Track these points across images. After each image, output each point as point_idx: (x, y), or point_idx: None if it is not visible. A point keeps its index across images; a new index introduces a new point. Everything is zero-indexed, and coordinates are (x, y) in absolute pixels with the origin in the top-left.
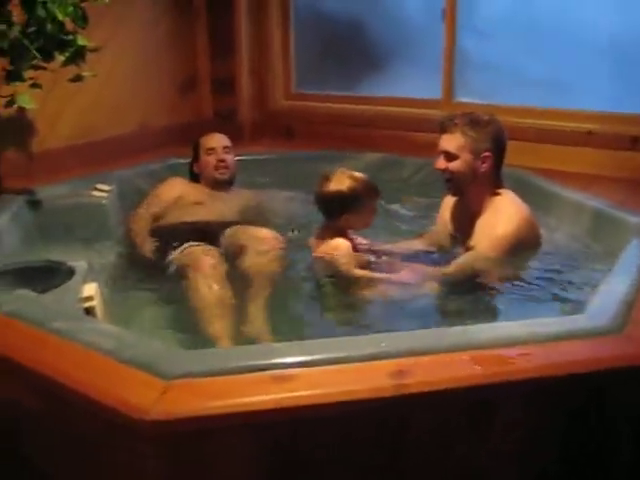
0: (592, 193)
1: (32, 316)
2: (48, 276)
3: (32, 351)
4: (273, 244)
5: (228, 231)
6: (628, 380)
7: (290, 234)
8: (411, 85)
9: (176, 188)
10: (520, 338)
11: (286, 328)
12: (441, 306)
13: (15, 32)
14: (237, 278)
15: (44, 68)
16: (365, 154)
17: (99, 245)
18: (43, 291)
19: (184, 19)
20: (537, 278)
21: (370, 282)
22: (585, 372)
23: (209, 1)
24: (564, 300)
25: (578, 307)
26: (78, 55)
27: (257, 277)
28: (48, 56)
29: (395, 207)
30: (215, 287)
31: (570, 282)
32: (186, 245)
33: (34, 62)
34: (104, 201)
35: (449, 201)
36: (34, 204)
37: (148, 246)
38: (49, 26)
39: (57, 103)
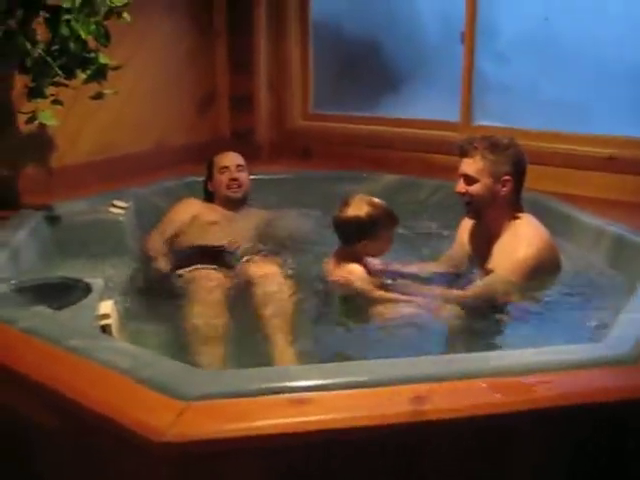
0: (612, 218)
1: (48, 333)
2: (65, 293)
3: (48, 368)
4: (279, 282)
5: (240, 258)
6: None
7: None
8: (429, 107)
9: (190, 209)
10: (540, 365)
11: (302, 351)
12: (459, 330)
13: (39, 50)
14: (249, 306)
15: (66, 85)
16: (382, 175)
17: (116, 262)
18: (60, 308)
19: (205, 38)
20: (556, 303)
21: (387, 305)
22: (606, 401)
23: (229, 20)
24: (583, 326)
25: (597, 334)
26: (99, 73)
27: (273, 319)
28: (70, 73)
29: (412, 229)
30: (208, 313)
31: (589, 308)
32: (192, 268)
33: (56, 79)
34: (121, 218)
35: (467, 223)
36: (52, 220)
37: (163, 263)
38: (72, 44)
39: (78, 120)
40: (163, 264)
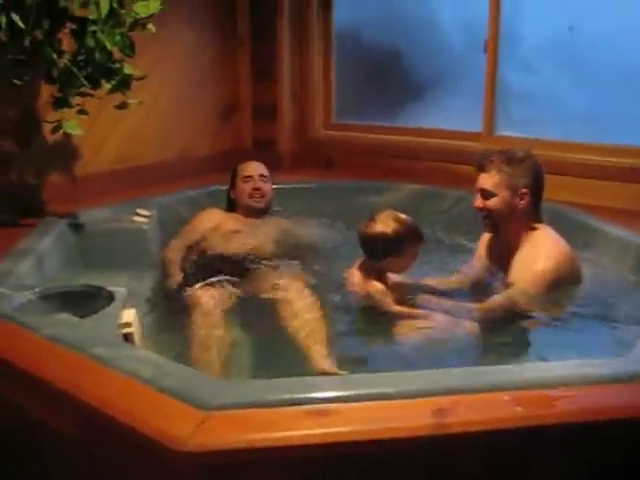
0: (636, 230)
1: (72, 341)
2: (88, 301)
3: (71, 376)
4: (303, 292)
5: (260, 271)
6: None
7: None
8: (451, 116)
9: (212, 218)
10: (563, 379)
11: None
12: (480, 343)
13: (65, 60)
14: (270, 317)
15: (91, 95)
16: (405, 185)
17: (138, 270)
18: (83, 316)
19: (228, 47)
20: (578, 315)
21: (408, 318)
22: (631, 417)
23: (253, 29)
24: (605, 340)
25: (620, 347)
26: (124, 83)
27: (303, 331)
28: (95, 84)
29: (434, 241)
30: (211, 327)
31: (612, 320)
32: (207, 281)
33: (82, 89)
34: (144, 226)
35: (486, 236)
36: (76, 227)
37: (176, 278)
38: (98, 55)
39: (102, 129)
40: (174, 280)
